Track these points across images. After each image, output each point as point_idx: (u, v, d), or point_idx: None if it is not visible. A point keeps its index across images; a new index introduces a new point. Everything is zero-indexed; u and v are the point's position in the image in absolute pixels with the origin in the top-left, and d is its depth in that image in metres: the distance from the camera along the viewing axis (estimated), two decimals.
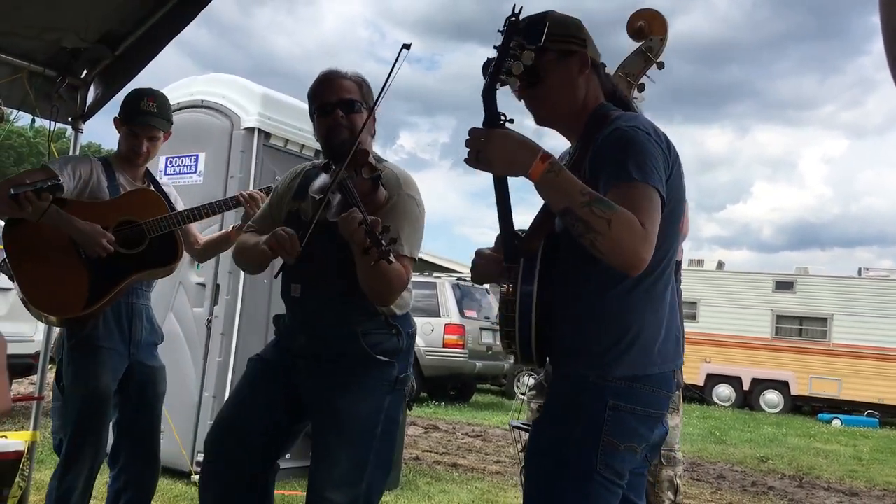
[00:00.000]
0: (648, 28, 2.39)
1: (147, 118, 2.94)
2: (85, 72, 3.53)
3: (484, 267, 1.96)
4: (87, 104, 3.61)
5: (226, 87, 5.48)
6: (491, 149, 1.71)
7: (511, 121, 1.76)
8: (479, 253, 1.98)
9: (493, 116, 1.75)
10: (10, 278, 2.82)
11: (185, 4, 3.27)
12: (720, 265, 18.22)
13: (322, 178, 2.28)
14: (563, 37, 1.84)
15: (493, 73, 1.73)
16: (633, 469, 1.83)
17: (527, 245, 1.81)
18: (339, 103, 2.33)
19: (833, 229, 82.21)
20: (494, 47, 1.73)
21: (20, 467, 3.49)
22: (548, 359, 1.88)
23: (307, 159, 5.47)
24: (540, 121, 1.92)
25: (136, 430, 2.99)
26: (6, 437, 3.59)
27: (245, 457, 2.32)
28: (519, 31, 1.72)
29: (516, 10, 1.72)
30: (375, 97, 2.32)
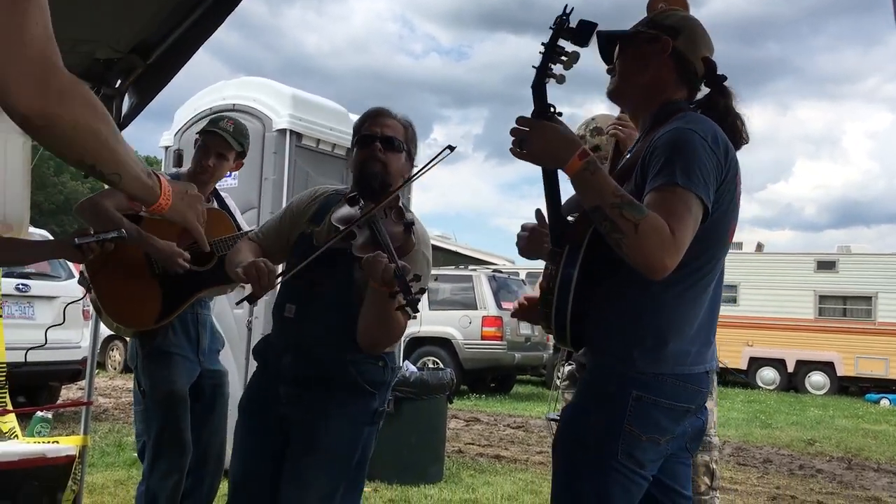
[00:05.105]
0: (669, 8, 2.32)
1: (220, 132, 3.08)
2: (119, 81, 3.57)
3: (530, 240, 2.01)
4: (123, 113, 3.67)
5: (256, 90, 5.52)
6: (533, 139, 1.75)
7: (560, 113, 1.80)
8: (524, 226, 2.04)
9: (542, 108, 1.79)
10: (88, 290, 2.96)
11: (214, 9, 3.30)
12: (759, 247, 17.94)
13: (346, 209, 2.24)
14: (652, 24, 1.92)
15: (540, 70, 1.78)
16: (675, 458, 1.86)
17: (574, 232, 1.84)
18: (381, 138, 2.34)
19: (879, 206, 79.88)
20: (542, 44, 1.78)
21: (72, 471, 3.57)
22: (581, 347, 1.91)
23: (339, 158, 5.52)
24: (609, 92, 1.96)
25: (204, 433, 3.09)
26: (58, 441, 3.67)
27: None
28: (567, 32, 1.76)
29: (567, 11, 1.76)
30: (412, 174, 2.34)
